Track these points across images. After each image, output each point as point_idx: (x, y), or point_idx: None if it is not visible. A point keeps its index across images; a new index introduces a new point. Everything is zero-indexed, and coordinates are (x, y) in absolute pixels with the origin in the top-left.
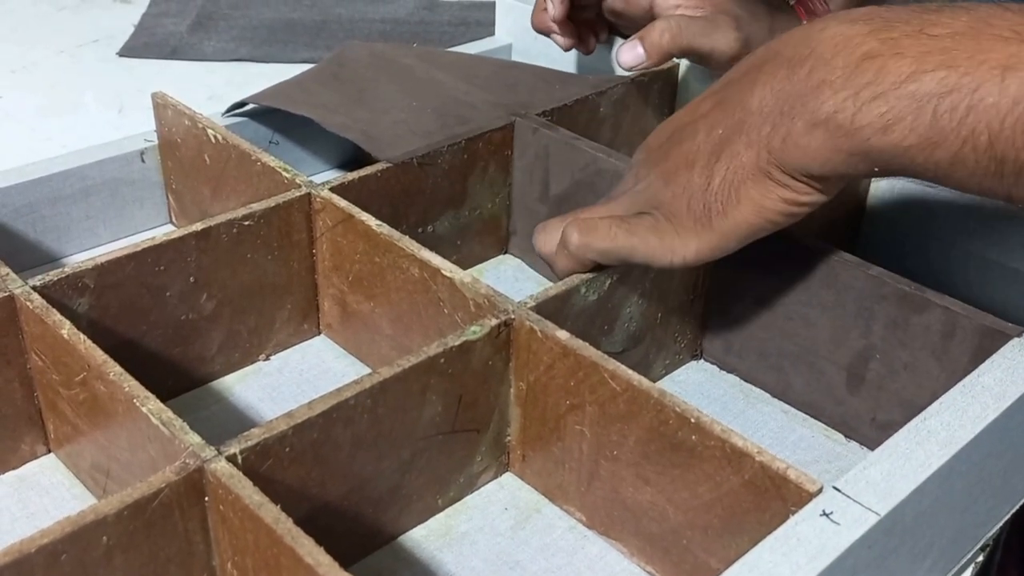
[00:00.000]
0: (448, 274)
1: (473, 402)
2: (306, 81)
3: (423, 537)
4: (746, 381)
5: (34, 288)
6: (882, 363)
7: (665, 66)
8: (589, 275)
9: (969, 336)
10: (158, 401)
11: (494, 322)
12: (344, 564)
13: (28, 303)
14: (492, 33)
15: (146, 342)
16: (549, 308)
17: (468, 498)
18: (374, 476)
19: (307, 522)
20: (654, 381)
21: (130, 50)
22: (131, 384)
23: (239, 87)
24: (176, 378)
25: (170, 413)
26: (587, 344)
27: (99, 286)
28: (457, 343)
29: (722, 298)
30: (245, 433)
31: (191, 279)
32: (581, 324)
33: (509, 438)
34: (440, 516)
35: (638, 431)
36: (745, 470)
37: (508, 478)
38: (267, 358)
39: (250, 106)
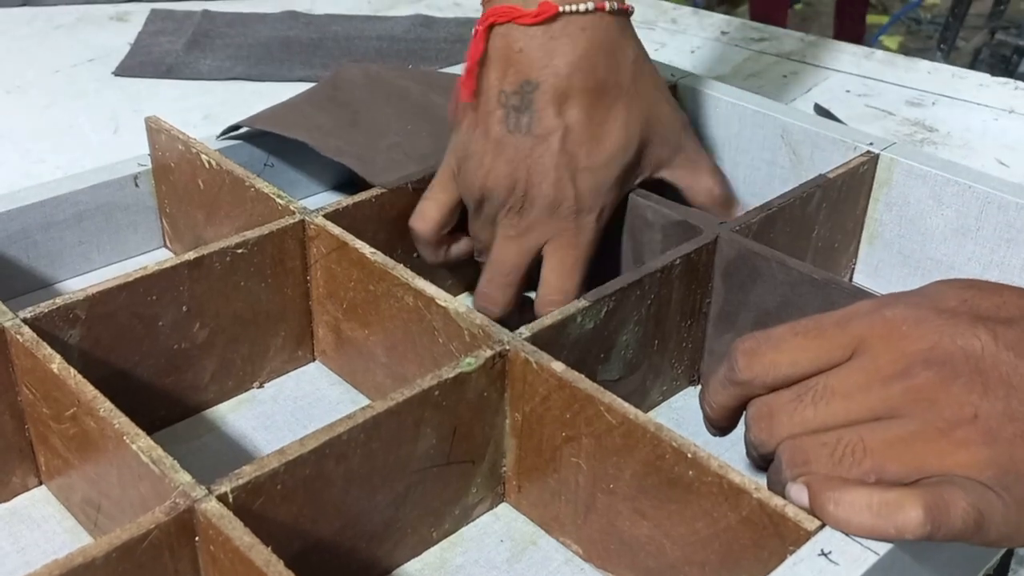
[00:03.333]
0: (443, 303)
1: (468, 433)
2: (301, 103)
3: (418, 571)
4: None
5: (24, 320)
6: None
7: None
8: (585, 303)
9: None
10: (148, 438)
11: (489, 353)
12: None
13: (18, 336)
14: None
15: (138, 372)
16: (545, 338)
17: (463, 530)
18: (368, 510)
19: (300, 559)
20: (651, 408)
21: (126, 69)
22: (121, 420)
23: (235, 106)
24: (169, 407)
25: (160, 451)
26: (583, 376)
27: (90, 317)
28: (452, 375)
29: (719, 323)
30: (236, 471)
31: (184, 308)
32: (577, 353)
33: (505, 469)
34: (435, 549)
35: (634, 465)
36: (743, 507)
37: (504, 509)
38: (261, 386)
39: (244, 129)
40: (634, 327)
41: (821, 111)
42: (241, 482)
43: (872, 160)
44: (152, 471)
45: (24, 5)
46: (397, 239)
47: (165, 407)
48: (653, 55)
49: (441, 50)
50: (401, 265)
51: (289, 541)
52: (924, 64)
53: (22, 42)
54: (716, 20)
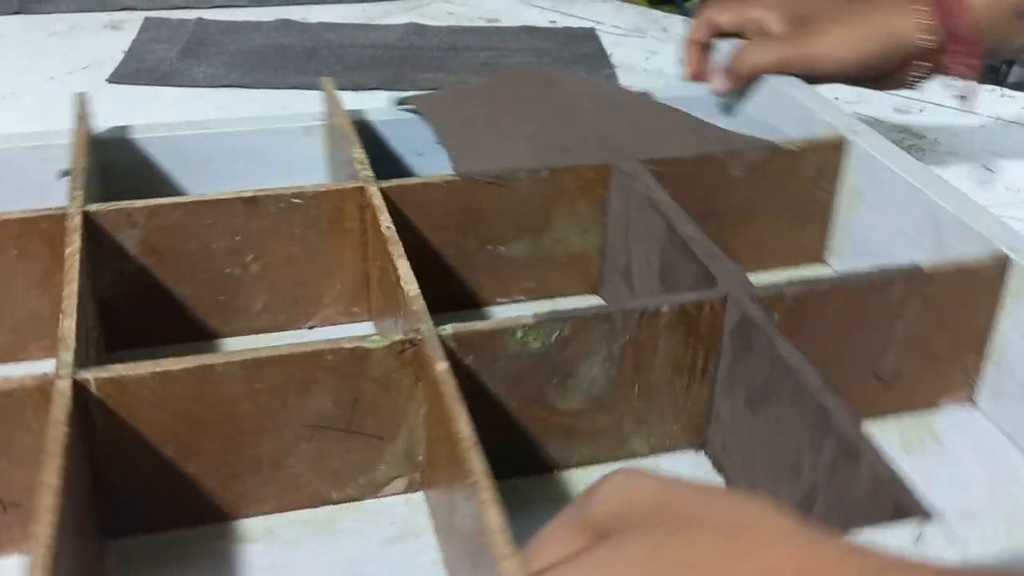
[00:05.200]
0: (405, 286)
1: (372, 409)
2: (471, 93)
3: (303, 520)
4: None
5: (88, 213)
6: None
7: (829, 138)
8: (529, 321)
9: None
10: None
11: (398, 337)
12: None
13: (74, 222)
14: (480, 58)
15: (191, 284)
16: (472, 341)
17: (370, 501)
18: (250, 444)
19: (178, 464)
20: (632, 456)
21: (120, 76)
22: None
23: (229, 113)
24: (220, 323)
25: None
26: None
27: (148, 224)
28: (349, 346)
29: (724, 388)
30: (108, 366)
31: (237, 238)
32: (519, 368)
33: (421, 458)
34: (332, 508)
35: None
36: None
37: (419, 497)
38: (311, 328)
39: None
40: (602, 363)
41: None
42: (106, 375)
43: (1001, 264)
44: None
45: (19, 13)
46: (468, 226)
47: (216, 321)
48: (644, 63)
49: (434, 58)
50: (400, 245)
51: (164, 444)
52: None
53: (17, 49)
54: None
